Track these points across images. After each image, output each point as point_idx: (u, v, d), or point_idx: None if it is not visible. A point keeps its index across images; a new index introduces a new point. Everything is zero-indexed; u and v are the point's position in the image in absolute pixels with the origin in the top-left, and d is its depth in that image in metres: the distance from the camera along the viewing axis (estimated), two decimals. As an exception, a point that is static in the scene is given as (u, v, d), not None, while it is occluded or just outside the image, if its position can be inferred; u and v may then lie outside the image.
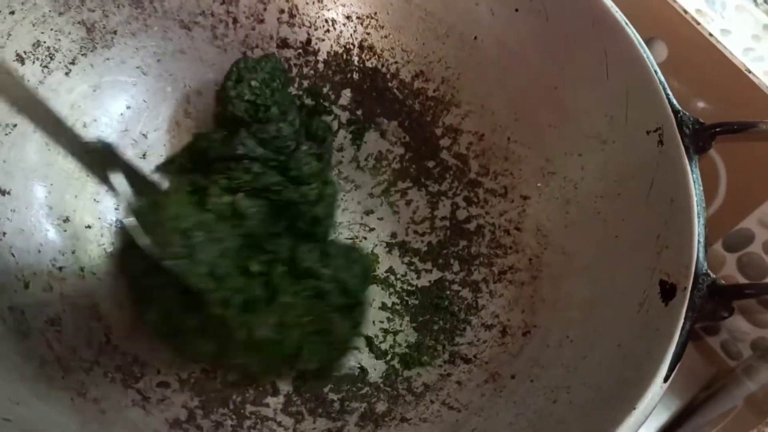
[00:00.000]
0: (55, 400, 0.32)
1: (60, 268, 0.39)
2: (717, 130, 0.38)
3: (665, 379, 0.32)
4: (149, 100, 0.45)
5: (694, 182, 0.37)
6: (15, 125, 0.39)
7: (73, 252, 0.40)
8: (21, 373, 0.32)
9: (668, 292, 0.35)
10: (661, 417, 0.48)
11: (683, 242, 0.35)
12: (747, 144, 0.46)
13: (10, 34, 0.39)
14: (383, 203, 0.48)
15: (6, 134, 0.39)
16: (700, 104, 0.48)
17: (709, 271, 0.34)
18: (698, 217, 0.36)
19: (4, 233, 0.37)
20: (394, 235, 0.47)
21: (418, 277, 0.46)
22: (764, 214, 0.46)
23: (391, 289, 0.45)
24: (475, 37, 0.47)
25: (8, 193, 0.38)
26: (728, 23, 0.49)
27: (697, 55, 0.47)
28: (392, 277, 0.45)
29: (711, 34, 0.46)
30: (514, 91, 0.46)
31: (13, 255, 0.37)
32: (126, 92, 0.45)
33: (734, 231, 0.48)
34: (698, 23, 0.47)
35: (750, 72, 0.45)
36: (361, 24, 0.49)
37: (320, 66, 0.49)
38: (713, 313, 0.34)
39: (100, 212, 0.42)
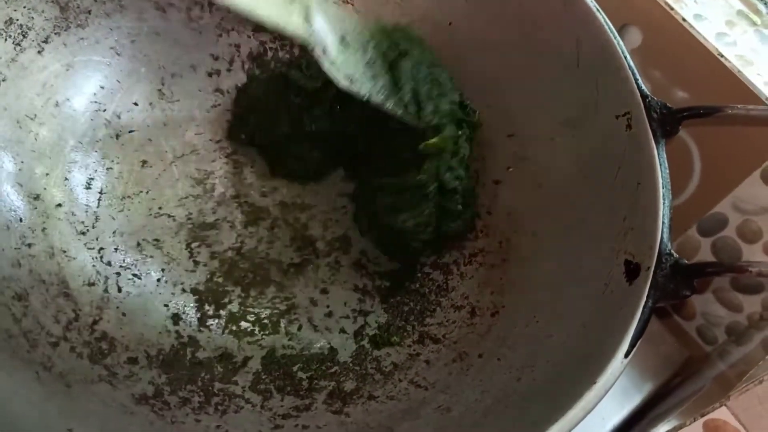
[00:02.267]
0: (20, 372, 0.32)
1: (29, 245, 0.39)
2: (684, 114, 0.39)
3: (626, 355, 0.32)
4: (123, 80, 0.45)
5: (660, 165, 0.37)
6: (-15, 102, 0.39)
7: (44, 230, 0.40)
8: (-15, 346, 0.32)
9: (632, 271, 0.35)
10: (635, 400, 0.49)
11: (648, 224, 0.36)
12: (720, 129, 0.46)
13: (-19, 11, 0.39)
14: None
15: (-24, 111, 0.39)
16: (678, 93, 0.49)
17: (672, 251, 0.35)
18: (663, 199, 0.36)
19: (-27, 209, 0.37)
20: (367, 218, 0.47)
21: (390, 260, 0.46)
22: (737, 198, 0.47)
23: (363, 271, 0.45)
24: (450, 23, 0.47)
25: (-23, 169, 0.38)
26: (702, 8, 0.49)
27: (671, 40, 0.47)
28: (364, 259, 0.46)
29: (684, 19, 0.47)
30: (486, 76, 0.46)
31: (-19, 231, 0.37)
32: (100, 72, 0.45)
33: (708, 215, 0.49)
34: (672, 8, 0.47)
35: (722, 56, 0.46)
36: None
37: (295, 50, 0.49)
38: (675, 292, 0.34)
39: (71, 190, 0.42)
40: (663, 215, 0.36)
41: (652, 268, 0.34)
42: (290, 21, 0.39)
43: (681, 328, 0.53)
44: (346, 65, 0.40)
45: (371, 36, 0.42)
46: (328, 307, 0.44)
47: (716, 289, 0.51)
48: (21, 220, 0.39)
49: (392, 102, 0.41)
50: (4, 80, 0.40)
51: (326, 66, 0.39)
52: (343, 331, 0.43)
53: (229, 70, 0.48)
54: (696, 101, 0.46)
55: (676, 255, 0.35)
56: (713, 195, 0.49)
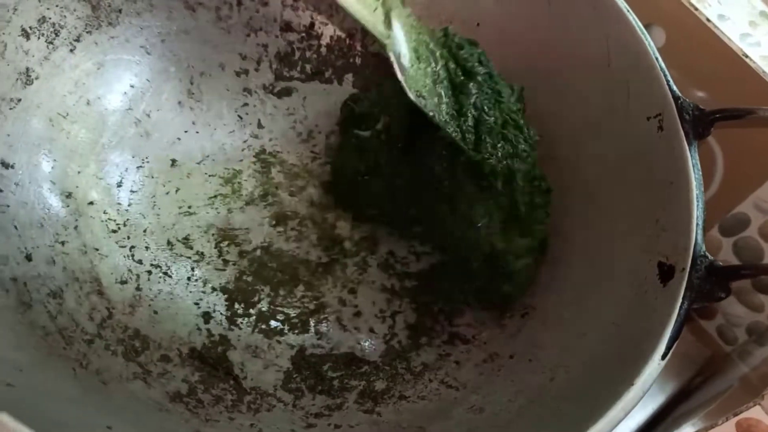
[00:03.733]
0: (57, 370, 0.32)
1: (63, 243, 0.39)
2: (717, 116, 0.39)
3: (663, 357, 0.32)
4: (153, 79, 0.45)
5: (693, 167, 0.37)
6: (19, 99, 0.39)
7: (76, 228, 0.40)
8: (24, 342, 0.32)
9: (666, 273, 0.35)
10: (658, 399, 0.49)
11: (682, 225, 0.36)
12: (743, 129, 0.46)
13: (16, 9, 0.39)
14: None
15: (10, 108, 0.39)
16: (699, 93, 0.49)
17: (707, 253, 0.35)
18: (697, 201, 0.36)
19: (8, 206, 0.37)
20: (395, 218, 0.48)
21: (418, 260, 0.46)
22: (760, 198, 0.47)
23: (391, 271, 0.45)
24: (478, 24, 0.47)
25: (12, 166, 0.38)
26: (725, 9, 0.49)
27: (695, 40, 0.47)
28: (392, 260, 0.46)
29: (708, 20, 0.47)
30: (515, 77, 0.46)
31: (15, 228, 0.37)
32: (130, 71, 0.45)
33: (730, 216, 0.49)
34: (696, 9, 0.47)
35: (747, 57, 0.46)
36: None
37: (323, 50, 0.49)
38: (711, 294, 0.35)
39: (102, 189, 0.42)
40: (697, 217, 0.36)
41: (687, 270, 0.34)
42: (375, 21, 0.38)
43: (701, 328, 0.53)
44: (416, 79, 0.39)
45: (440, 55, 0.41)
46: (356, 306, 0.44)
47: (737, 289, 0.51)
48: (54, 217, 0.39)
49: (453, 126, 0.40)
50: (37, 78, 0.40)
51: (400, 75, 0.39)
52: (372, 330, 0.43)
53: (257, 70, 0.48)
54: (716, 101, 0.46)
55: (711, 257, 0.35)
56: (735, 195, 0.49)
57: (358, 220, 0.46)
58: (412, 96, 0.39)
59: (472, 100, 0.40)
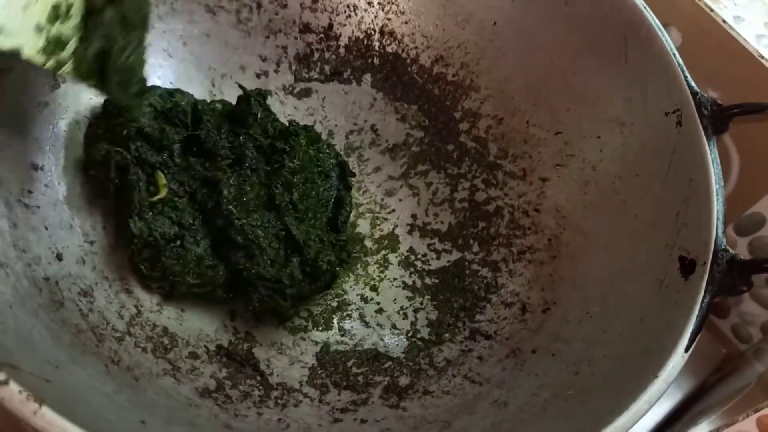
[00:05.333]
0: (91, 367, 0.33)
1: (91, 243, 0.40)
2: (735, 111, 0.39)
3: (686, 350, 0.32)
4: (175, 82, 0.46)
5: (712, 161, 0.38)
6: (47, 103, 0.40)
7: (104, 228, 0.41)
8: (59, 340, 0.33)
9: (688, 267, 0.36)
10: (675, 397, 0.49)
11: (702, 220, 0.36)
12: (759, 128, 0.47)
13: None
14: (403, 185, 0.49)
15: (39, 111, 0.40)
16: (715, 94, 0.49)
17: (728, 247, 0.35)
18: (717, 195, 0.37)
19: (38, 206, 0.38)
20: (414, 216, 0.48)
21: (438, 258, 0.46)
22: (776, 198, 0.47)
23: (412, 269, 0.46)
24: (495, 23, 0.48)
25: (41, 168, 0.39)
26: (741, 10, 0.50)
27: (711, 41, 0.48)
28: (412, 257, 0.46)
29: (724, 21, 0.47)
30: (532, 75, 0.47)
31: (46, 228, 0.38)
32: (153, 74, 0.45)
33: (746, 215, 0.49)
34: (711, 10, 0.47)
35: (763, 58, 0.46)
36: (382, 9, 0.50)
37: (341, 51, 0.50)
38: (732, 287, 0.35)
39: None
40: (717, 211, 0.36)
41: (709, 264, 0.35)
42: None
43: (716, 327, 0.53)
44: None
45: None
46: (378, 304, 0.44)
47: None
48: (83, 218, 0.40)
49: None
50: (64, 82, 0.41)
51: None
52: (394, 327, 0.43)
53: (276, 71, 0.49)
54: (732, 102, 0.46)
55: (731, 251, 0.35)
56: (751, 194, 0.49)
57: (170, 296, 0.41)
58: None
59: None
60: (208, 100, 0.46)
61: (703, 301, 0.34)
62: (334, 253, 0.43)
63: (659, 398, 0.32)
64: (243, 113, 0.44)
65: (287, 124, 0.45)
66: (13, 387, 0.25)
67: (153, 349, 0.37)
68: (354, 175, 0.48)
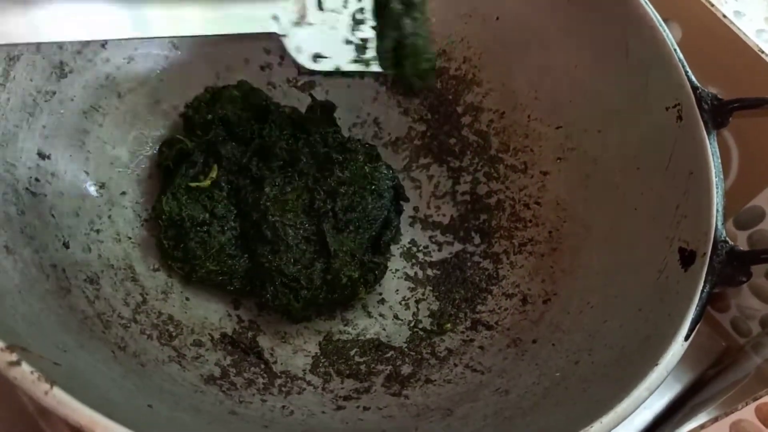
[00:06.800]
0: (99, 352, 0.33)
1: (97, 231, 0.40)
2: (735, 105, 0.39)
3: (686, 338, 0.33)
4: (181, 73, 0.46)
5: (712, 155, 0.38)
6: (54, 92, 0.40)
7: (110, 217, 0.41)
8: (67, 326, 0.33)
9: (687, 258, 0.36)
10: (674, 389, 0.50)
11: (702, 212, 0.37)
12: (759, 123, 0.47)
13: (51, 4, 0.40)
14: (405, 178, 0.49)
15: (46, 101, 0.40)
16: (715, 89, 0.50)
17: (727, 238, 0.36)
18: (717, 188, 0.37)
19: (45, 195, 0.38)
20: (416, 209, 0.49)
21: (440, 250, 0.47)
22: (775, 191, 0.48)
23: (413, 260, 0.46)
24: (497, 18, 0.48)
25: (48, 157, 0.39)
26: (741, 5, 0.50)
27: (711, 36, 0.48)
28: (414, 249, 0.47)
29: (725, 16, 0.47)
30: (534, 69, 0.48)
31: (53, 216, 0.38)
32: (158, 65, 0.46)
33: (746, 209, 0.49)
34: (712, 5, 0.48)
35: (763, 52, 0.46)
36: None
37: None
38: (731, 278, 0.35)
39: (134, 180, 0.43)
40: (717, 203, 0.37)
41: (708, 255, 0.35)
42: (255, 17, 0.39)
43: (715, 321, 0.54)
44: (312, 41, 0.40)
45: None
46: (380, 294, 0.45)
47: (751, 281, 0.51)
48: (89, 206, 0.40)
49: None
50: (71, 72, 0.41)
51: (292, 52, 0.40)
52: (396, 317, 0.44)
53: (280, 64, 0.49)
54: (732, 97, 0.47)
55: (731, 242, 0.36)
56: (751, 188, 0.49)
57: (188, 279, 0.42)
58: (307, 65, 0.40)
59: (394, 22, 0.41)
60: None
61: (702, 291, 0.34)
62: (359, 270, 0.42)
63: (659, 385, 0.32)
64: (307, 121, 0.46)
65: (346, 138, 0.47)
66: (25, 367, 0.25)
67: (158, 336, 0.38)
68: (408, 200, 0.48)
